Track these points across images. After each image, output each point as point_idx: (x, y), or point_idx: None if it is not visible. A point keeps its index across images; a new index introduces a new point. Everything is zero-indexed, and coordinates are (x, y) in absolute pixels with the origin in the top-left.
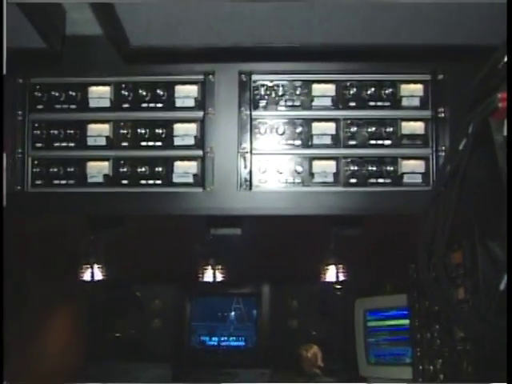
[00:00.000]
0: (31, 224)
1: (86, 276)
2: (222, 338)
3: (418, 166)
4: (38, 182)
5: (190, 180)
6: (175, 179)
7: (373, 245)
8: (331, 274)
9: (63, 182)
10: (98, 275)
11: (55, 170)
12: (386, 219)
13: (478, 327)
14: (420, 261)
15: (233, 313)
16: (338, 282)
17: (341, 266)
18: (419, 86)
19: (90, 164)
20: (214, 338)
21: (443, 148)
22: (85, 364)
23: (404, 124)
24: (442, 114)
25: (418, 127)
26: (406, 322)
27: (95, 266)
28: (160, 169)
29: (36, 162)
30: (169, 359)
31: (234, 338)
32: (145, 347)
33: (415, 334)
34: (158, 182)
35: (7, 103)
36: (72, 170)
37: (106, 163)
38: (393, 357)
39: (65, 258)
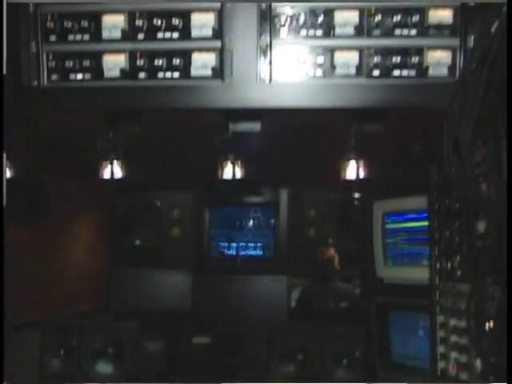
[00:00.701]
0: (47, 122)
1: (106, 174)
2: (241, 245)
3: (444, 57)
4: (54, 78)
5: (209, 72)
6: (193, 72)
7: (394, 142)
8: (351, 170)
9: (79, 76)
10: (118, 173)
11: (71, 64)
12: (409, 114)
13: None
14: (446, 151)
15: (251, 222)
16: (357, 181)
17: (361, 161)
18: None
19: (106, 57)
20: (232, 246)
21: (472, 38)
22: (109, 269)
23: (431, 12)
24: (472, 3)
25: (446, 16)
26: (425, 223)
27: (115, 163)
28: (177, 61)
29: (51, 57)
30: (189, 266)
31: (252, 245)
32: (165, 255)
33: (434, 233)
34: (176, 74)
35: None
36: (88, 64)
37: (121, 56)
38: (410, 258)
39: (83, 157)
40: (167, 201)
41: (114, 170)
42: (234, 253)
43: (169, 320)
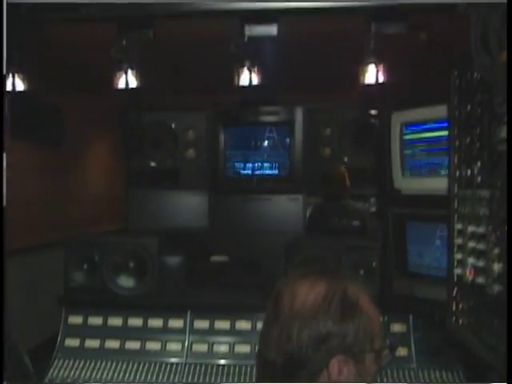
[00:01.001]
0: (60, 32)
1: (121, 83)
2: (256, 165)
3: None
4: None
5: None
6: None
7: (415, 46)
8: (370, 75)
9: None
10: (133, 83)
11: None
12: (432, 15)
13: None
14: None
15: (266, 141)
16: (376, 87)
17: (380, 66)
18: None
19: None
20: (248, 166)
21: None
22: (126, 192)
23: None
24: None
25: None
26: (445, 132)
27: (129, 73)
28: None
29: None
30: (205, 187)
31: (268, 165)
32: (181, 176)
33: (454, 141)
34: None
35: None
36: None
37: None
38: (429, 168)
39: (96, 69)
40: (182, 122)
41: (128, 80)
42: (250, 172)
43: (186, 239)
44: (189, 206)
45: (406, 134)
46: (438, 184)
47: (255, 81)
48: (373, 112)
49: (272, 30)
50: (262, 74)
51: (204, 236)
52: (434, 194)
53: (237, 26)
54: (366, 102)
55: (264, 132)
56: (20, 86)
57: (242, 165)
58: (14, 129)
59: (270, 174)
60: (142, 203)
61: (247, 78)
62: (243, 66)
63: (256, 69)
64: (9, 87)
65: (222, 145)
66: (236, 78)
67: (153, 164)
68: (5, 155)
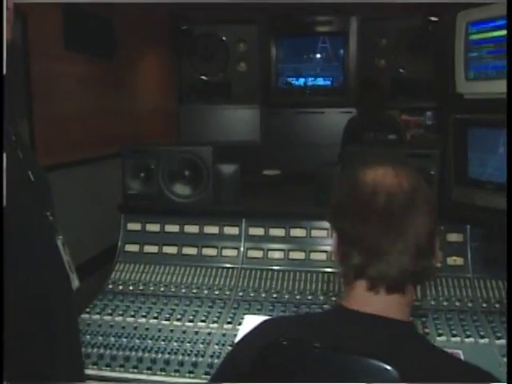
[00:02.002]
0: None
1: None
2: (309, 78)
3: None
4: None
5: None
6: None
7: None
8: None
9: None
10: None
11: None
12: None
13: None
14: None
15: (319, 53)
16: None
17: None
18: None
19: None
20: (300, 79)
21: None
22: (178, 105)
23: None
24: None
25: None
26: None
27: None
28: None
29: None
30: (256, 100)
31: (321, 77)
32: (232, 90)
33: None
34: None
35: None
36: None
37: None
38: (495, 70)
39: None
40: (233, 34)
41: None
42: (302, 85)
43: (239, 152)
44: (240, 119)
45: (471, 34)
46: (503, 87)
47: None
48: (432, 18)
49: None
50: None
51: (256, 149)
52: (500, 98)
53: None
54: (426, 8)
55: (317, 43)
56: None
57: (294, 77)
58: (66, 39)
59: (322, 87)
60: (194, 117)
61: None
62: None
63: None
64: None
65: (274, 57)
66: None
67: (204, 77)
68: (5, 155)
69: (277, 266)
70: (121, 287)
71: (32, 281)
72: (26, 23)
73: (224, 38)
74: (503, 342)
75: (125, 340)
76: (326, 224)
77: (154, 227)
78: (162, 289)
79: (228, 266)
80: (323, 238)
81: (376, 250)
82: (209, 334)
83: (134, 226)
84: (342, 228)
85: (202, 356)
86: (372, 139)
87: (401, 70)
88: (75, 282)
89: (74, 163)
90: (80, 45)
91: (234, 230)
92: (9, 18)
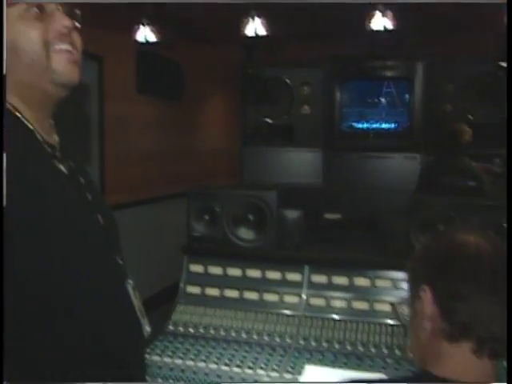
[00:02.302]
0: None
1: (249, 31)
2: (373, 122)
3: None
4: None
5: None
6: None
7: None
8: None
9: None
10: (262, 30)
11: None
12: None
13: None
14: None
15: (383, 97)
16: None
17: None
18: None
19: None
20: (364, 122)
21: None
22: (241, 147)
23: None
24: None
25: None
26: None
27: (256, 20)
28: None
29: None
30: (319, 143)
31: (385, 122)
32: (295, 132)
33: None
34: None
35: None
36: None
37: None
38: None
39: (220, 19)
40: (297, 77)
41: (256, 28)
42: (366, 129)
43: (301, 195)
44: (303, 162)
45: None
46: None
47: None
48: (502, 64)
49: None
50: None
51: (317, 192)
52: None
53: None
54: (494, 52)
55: (381, 87)
56: (143, 36)
57: (357, 121)
58: (138, 82)
59: (387, 131)
60: (256, 159)
61: (379, 22)
62: (375, 10)
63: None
64: (141, 39)
65: (338, 101)
66: (367, 24)
67: (268, 120)
68: (5, 155)
69: (339, 315)
70: (181, 329)
71: (103, 328)
72: (101, 66)
73: (288, 81)
74: None
75: None
76: (392, 274)
77: (216, 270)
78: (223, 333)
79: (289, 312)
80: (388, 289)
81: (483, 307)
82: (268, 382)
83: (196, 268)
84: (444, 283)
85: None
86: (450, 185)
87: (469, 116)
88: (146, 328)
89: (139, 202)
90: (150, 87)
91: (296, 277)
92: (77, 60)
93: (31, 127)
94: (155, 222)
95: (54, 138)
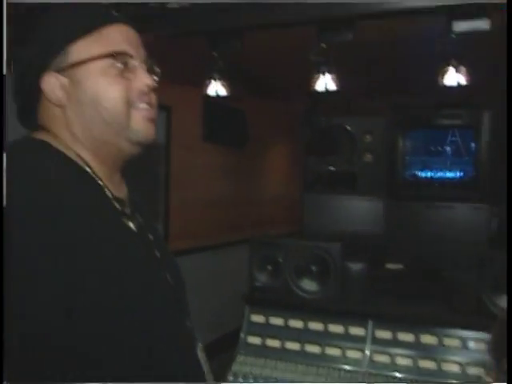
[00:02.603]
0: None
1: (320, 86)
2: (437, 171)
3: None
4: None
5: None
6: None
7: None
8: None
9: None
10: (331, 85)
11: None
12: None
13: None
14: None
15: (448, 146)
16: None
17: None
18: None
19: None
20: (428, 172)
21: None
22: (301, 193)
23: None
24: None
25: None
26: None
27: (327, 75)
28: None
29: None
30: (381, 192)
31: (450, 171)
32: (357, 180)
33: None
34: None
35: None
36: None
37: None
38: None
39: (289, 73)
40: (359, 126)
41: (327, 83)
42: (430, 178)
43: (362, 244)
44: (365, 210)
45: None
46: None
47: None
48: None
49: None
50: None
51: (380, 242)
52: None
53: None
54: None
55: (446, 136)
56: (214, 90)
57: (421, 170)
58: (204, 131)
59: (452, 181)
60: (317, 206)
61: (452, 77)
62: (448, 65)
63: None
64: (211, 92)
65: (401, 149)
66: (439, 78)
67: (330, 167)
68: (5, 155)
69: (404, 373)
70: (241, 380)
71: None
72: (169, 115)
73: (350, 130)
74: None
75: None
76: (461, 333)
77: (277, 321)
78: None
79: (352, 368)
80: (457, 348)
81: None
82: None
83: (257, 318)
84: None
85: None
86: None
87: None
88: None
89: (201, 248)
90: (216, 135)
91: (359, 331)
92: (155, 118)
93: (101, 183)
94: (216, 268)
95: (123, 192)
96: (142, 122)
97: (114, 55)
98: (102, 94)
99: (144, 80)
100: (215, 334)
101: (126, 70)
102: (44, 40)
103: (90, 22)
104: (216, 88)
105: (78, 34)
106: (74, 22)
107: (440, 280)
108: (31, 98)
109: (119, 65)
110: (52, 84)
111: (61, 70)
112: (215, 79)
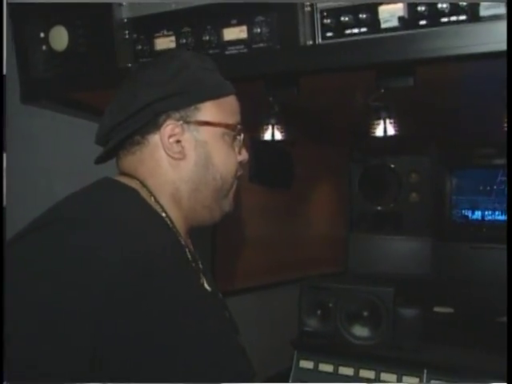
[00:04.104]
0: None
1: (379, 131)
2: (487, 213)
3: None
4: (329, 34)
5: None
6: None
7: None
8: None
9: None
10: (391, 131)
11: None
12: None
13: None
14: None
15: (497, 186)
16: None
17: None
18: None
19: (382, 8)
20: (476, 212)
21: None
22: (346, 232)
23: None
24: None
25: None
26: None
27: (387, 122)
28: None
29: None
30: (428, 232)
31: (500, 212)
32: (403, 220)
33: None
34: None
35: None
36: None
37: (399, 5)
38: None
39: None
40: (404, 165)
41: (387, 128)
42: (479, 219)
43: (411, 288)
44: (411, 251)
45: None
46: None
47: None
48: None
49: None
50: None
51: (426, 284)
52: None
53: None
54: None
55: (495, 176)
56: (270, 135)
57: (469, 210)
58: (250, 172)
59: (502, 222)
60: (362, 246)
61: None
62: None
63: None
64: (267, 137)
65: (448, 189)
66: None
67: (376, 207)
68: (5, 155)
69: None
70: None
71: None
72: None
73: (396, 169)
74: None
75: None
76: None
77: (327, 367)
78: None
79: None
80: None
81: None
82: None
83: (306, 364)
84: None
85: None
86: None
87: None
88: None
89: (247, 289)
90: (262, 176)
91: (414, 381)
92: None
93: (183, 242)
94: (262, 310)
95: (191, 245)
96: (233, 195)
97: (238, 126)
98: (222, 160)
99: (246, 155)
100: (262, 376)
101: (235, 141)
102: (183, 84)
103: (221, 87)
104: (272, 132)
105: (211, 94)
106: (211, 81)
107: (489, 325)
108: (135, 133)
109: (238, 136)
110: (176, 133)
111: (187, 123)
112: (272, 124)
